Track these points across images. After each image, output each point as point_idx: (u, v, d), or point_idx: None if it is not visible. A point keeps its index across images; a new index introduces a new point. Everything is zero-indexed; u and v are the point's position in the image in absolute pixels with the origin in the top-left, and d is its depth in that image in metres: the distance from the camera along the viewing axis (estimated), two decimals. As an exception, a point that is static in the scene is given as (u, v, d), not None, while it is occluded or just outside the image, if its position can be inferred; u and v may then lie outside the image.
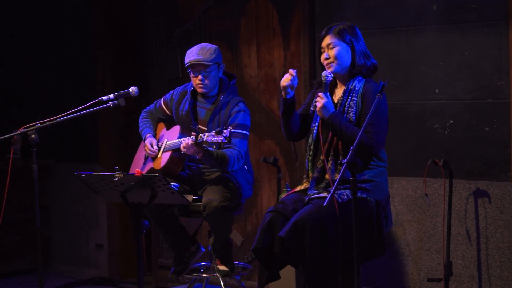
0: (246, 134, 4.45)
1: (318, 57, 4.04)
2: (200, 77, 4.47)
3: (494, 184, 4.45)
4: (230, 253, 4.55)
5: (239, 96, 4.56)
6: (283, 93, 3.95)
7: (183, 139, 4.30)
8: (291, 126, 4.06)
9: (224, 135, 4.00)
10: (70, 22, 6.25)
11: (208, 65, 4.44)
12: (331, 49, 3.95)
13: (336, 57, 3.95)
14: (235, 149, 4.36)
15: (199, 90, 4.52)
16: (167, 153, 4.47)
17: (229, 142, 4.05)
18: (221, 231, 4.46)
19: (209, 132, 4.18)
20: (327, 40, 3.97)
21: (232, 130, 4.16)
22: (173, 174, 4.48)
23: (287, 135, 4.11)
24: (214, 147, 4.20)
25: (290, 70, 3.90)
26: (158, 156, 4.54)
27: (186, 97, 4.63)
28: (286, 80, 3.90)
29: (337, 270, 3.81)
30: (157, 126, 4.76)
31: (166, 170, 4.45)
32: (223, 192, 4.32)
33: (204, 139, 4.08)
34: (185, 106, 4.60)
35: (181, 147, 4.25)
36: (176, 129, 4.55)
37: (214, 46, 4.53)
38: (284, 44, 5.25)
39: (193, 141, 4.15)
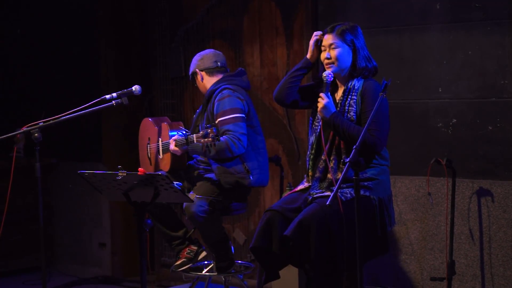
0: (238, 116, 4.42)
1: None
2: None
3: (497, 183, 4.45)
4: (223, 251, 4.55)
5: (228, 84, 4.52)
6: (308, 53, 4.06)
7: (171, 140, 4.41)
8: (289, 91, 4.10)
9: (211, 136, 4.09)
10: (74, 21, 6.26)
11: (191, 78, 4.70)
12: (333, 49, 3.96)
13: (337, 58, 3.95)
14: (229, 133, 4.37)
15: None
16: (167, 154, 4.52)
17: (218, 139, 4.16)
18: (205, 233, 4.48)
19: (199, 123, 4.54)
20: (330, 39, 3.96)
21: (221, 119, 4.38)
22: (183, 167, 4.57)
23: (278, 96, 4.13)
24: (211, 146, 4.33)
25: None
26: (160, 157, 4.58)
27: None
28: (319, 35, 4.04)
29: (342, 268, 3.81)
30: None
31: (175, 167, 4.53)
32: (206, 195, 4.38)
33: (195, 142, 4.21)
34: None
35: (170, 150, 4.43)
36: (165, 127, 4.59)
37: (195, 57, 4.68)
38: (287, 43, 5.24)
39: (175, 146, 4.37)
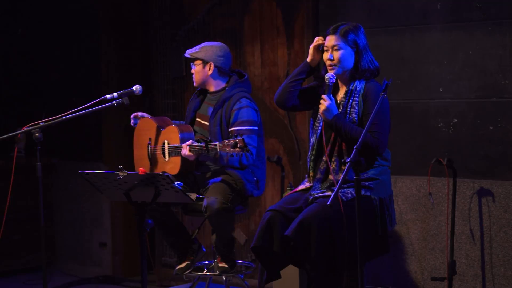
0: (253, 129, 4.43)
1: (323, 51, 4.03)
2: (192, 70, 4.64)
3: (498, 183, 4.45)
4: (231, 251, 4.56)
5: (244, 92, 4.52)
6: (309, 57, 4.04)
7: (184, 145, 4.32)
8: (289, 95, 4.08)
9: (239, 146, 4.01)
10: (75, 20, 6.26)
11: (192, 59, 4.59)
12: (336, 51, 3.95)
13: (340, 60, 3.94)
14: None
15: None
16: (177, 157, 4.48)
17: (247, 150, 4.10)
18: (223, 231, 4.47)
19: (210, 127, 4.43)
20: (333, 41, 3.96)
21: (236, 128, 4.34)
22: (192, 170, 4.55)
23: (279, 99, 4.12)
24: (231, 156, 4.28)
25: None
26: (166, 160, 4.53)
27: (194, 95, 4.75)
28: (319, 39, 4.01)
29: (342, 268, 3.81)
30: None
31: (184, 170, 4.50)
32: (225, 193, 4.34)
33: (218, 150, 4.11)
34: (191, 104, 4.71)
35: (182, 155, 4.34)
36: (174, 130, 4.52)
37: (211, 45, 4.59)
38: (288, 43, 5.24)
39: (189, 151, 4.26)
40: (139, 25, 6.07)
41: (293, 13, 5.20)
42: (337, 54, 3.95)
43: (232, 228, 4.55)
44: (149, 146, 4.66)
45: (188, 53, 4.61)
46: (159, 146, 4.59)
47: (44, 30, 6.43)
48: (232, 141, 4.02)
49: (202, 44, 4.62)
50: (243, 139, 4.01)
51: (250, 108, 4.46)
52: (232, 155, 4.32)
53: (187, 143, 4.29)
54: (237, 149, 4.02)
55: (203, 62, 4.56)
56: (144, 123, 4.71)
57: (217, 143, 4.11)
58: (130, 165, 4.80)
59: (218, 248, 4.54)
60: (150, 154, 4.66)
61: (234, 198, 4.38)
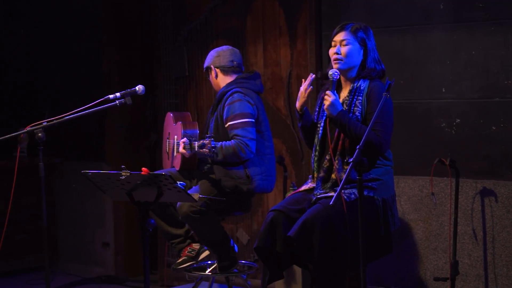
0: (247, 121, 4.42)
1: (326, 51, 4.03)
2: None
3: (501, 183, 4.44)
4: (224, 250, 4.54)
5: (241, 88, 4.51)
6: (298, 112, 4.02)
7: (180, 142, 4.40)
8: (311, 136, 4.10)
9: (208, 147, 4.12)
10: (77, 21, 6.26)
11: (205, 72, 4.70)
12: (344, 46, 3.95)
13: (346, 55, 3.94)
14: (237, 138, 4.38)
15: None
16: (179, 153, 4.53)
17: (216, 154, 4.20)
18: (200, 233, 4.47)
19: (210, 122, 4.56)
20: (342, 35, 3.96)
21: (230, 123, 4.40)
22: (193, 167, 4.57)
23: (308, 144, 4.15)
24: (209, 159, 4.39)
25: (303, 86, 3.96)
26: (175, 155, 4.62)
27: None
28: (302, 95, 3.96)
29: (345, 268, 3.81)
30: None
31: (185, 167, 4.55)
32: (203, 194, 4.37)
33: (196, 150, 4.22)
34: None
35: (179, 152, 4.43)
36: (179, 126, 4.60)
37: (212, 51, 4.66)
38: (291, 43, 5.24)
39: (184, 148, 4.35)
40: (140, 25, 6.07)
41: (296, 13, 5.20)
42: (344, 49, 3.94)
43: (214, 230, 4.50)
44: (168, 140, 4.81)
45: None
46: (172, 141, 4.70)
47: (45, 30, 6.44)
48: (201, 141, 4.14)
49: (209, 53, 4.71)
50: (210, 141, 4.12)
51: (243, 101, 4.45)
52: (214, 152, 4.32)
53: (181, 140, 4.36)
54: (205, 150, 4.12)
55: (209, 70, 4.64)
56: (167, 118, 4.86)
57: (196, 143, 4.20)
58: (133, 165, 4.82)
59: (209, 248, 4.56)
60: (167, 148, 4.81)
61: (212, 199, 4.38)
